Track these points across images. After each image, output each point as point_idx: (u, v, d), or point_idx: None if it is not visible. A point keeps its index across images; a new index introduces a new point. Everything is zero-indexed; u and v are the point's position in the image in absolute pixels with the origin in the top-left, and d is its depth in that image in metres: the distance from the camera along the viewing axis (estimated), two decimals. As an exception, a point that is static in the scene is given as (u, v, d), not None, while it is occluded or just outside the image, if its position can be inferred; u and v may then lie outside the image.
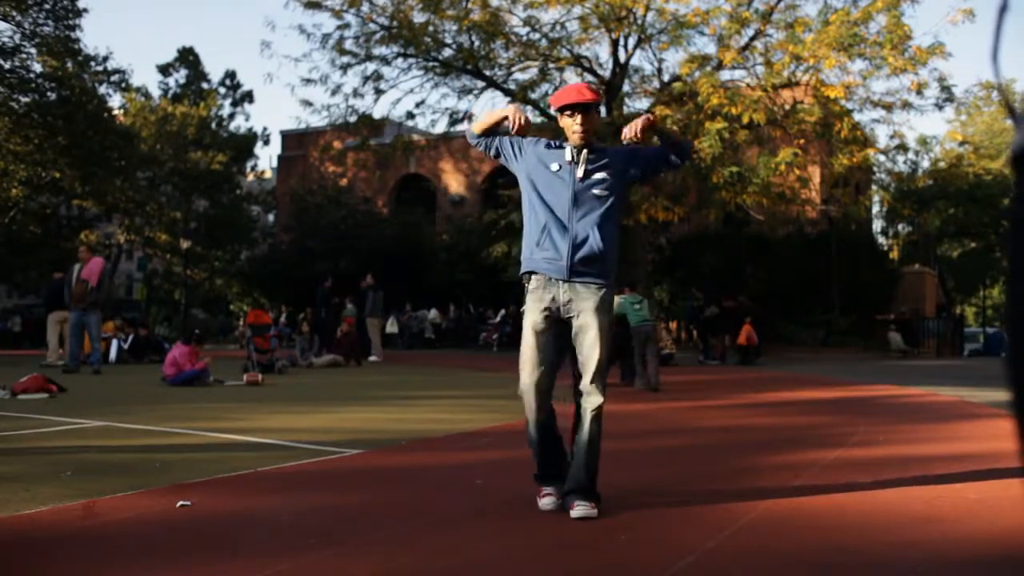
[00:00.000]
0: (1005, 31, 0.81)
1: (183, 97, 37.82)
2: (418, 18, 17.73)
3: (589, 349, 3.08)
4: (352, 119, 18.88)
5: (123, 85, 28.12)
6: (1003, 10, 0.81)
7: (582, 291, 3.07)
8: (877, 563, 2.54)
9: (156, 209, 31.36)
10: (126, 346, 15.05)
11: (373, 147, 19.87)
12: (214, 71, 76.00)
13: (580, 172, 3.11)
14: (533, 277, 3.15)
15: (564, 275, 3.07)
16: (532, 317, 3.13)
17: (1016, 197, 0.79)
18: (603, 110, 18.95)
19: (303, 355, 14.72)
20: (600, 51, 26.04)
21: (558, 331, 3.13)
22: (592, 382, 3.08)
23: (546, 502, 3.15)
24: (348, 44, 18.28)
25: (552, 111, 3.26)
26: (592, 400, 3.09)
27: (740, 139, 15.56)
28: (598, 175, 3.11)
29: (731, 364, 16.12)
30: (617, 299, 8.76)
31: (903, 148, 17.05)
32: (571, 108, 3.10)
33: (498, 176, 28.63)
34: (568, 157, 3.13)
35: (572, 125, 3.10)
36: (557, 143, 3.23)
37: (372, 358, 15.62)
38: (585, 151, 3.13)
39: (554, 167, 3.13)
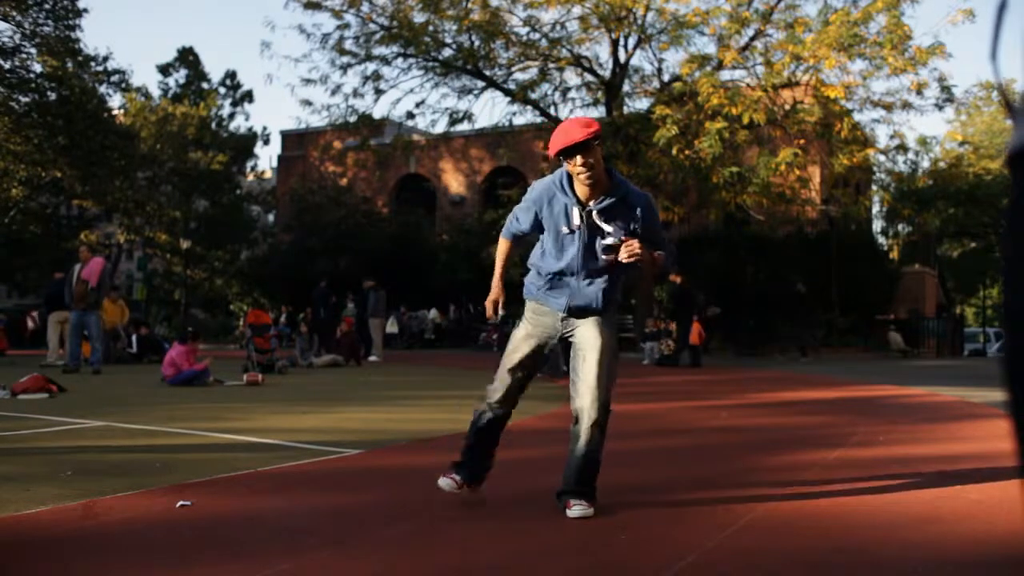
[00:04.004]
0: (1004, 30, 0.81)
1: (183, 97, 37.83)
2: (418, 18, 17.76)
3: (588, 366, 3.06)
4: (352, 119, 18.90)
5: (123, 85, 28.11)
6: (1002, 9, 0.81)
7: (581, 319, 3.17)
8: (877, 563, 2.54)
9: (156, 209, 31.34)
10: (133, 349, 15.06)
11: (373, 147, 19.88)
12: (214, 71, 76.11)
13: (587, 238, 3.08)
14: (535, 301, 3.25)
15: (564, 314, 3.17)
16: (527, 328, 3.25)
17: (1013, 197, 0.79)
18: (593, 112, 19.00)
19: (303, 355, 14.72)
20: (600, 51, 26.10)
21: (545, 345, 3.24)
22: (593, 399, 3.02)
23: (445, 481, 3.27)
24: (348, 44, 18.32)
25: (551, 156, 3.15)
26: (591, 415, 3.02)
27: (740, 139, 15.57)
28: (609, 240, 3.04)
29: (683, 365, 14.50)
30: None
31: (903, 148, 17.05)
32: (564, 153, 2.97)
33: (498, 176, 28.67)
34: (577, 221, 3.08)
35: (575, 168, 2.99)
36: (570, 198, 3.09)
37: (372, 358, 15.62)
38: (594, 215, 3.05)
39: (564, 230, 3.11)
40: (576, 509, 2.99)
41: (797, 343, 19.18)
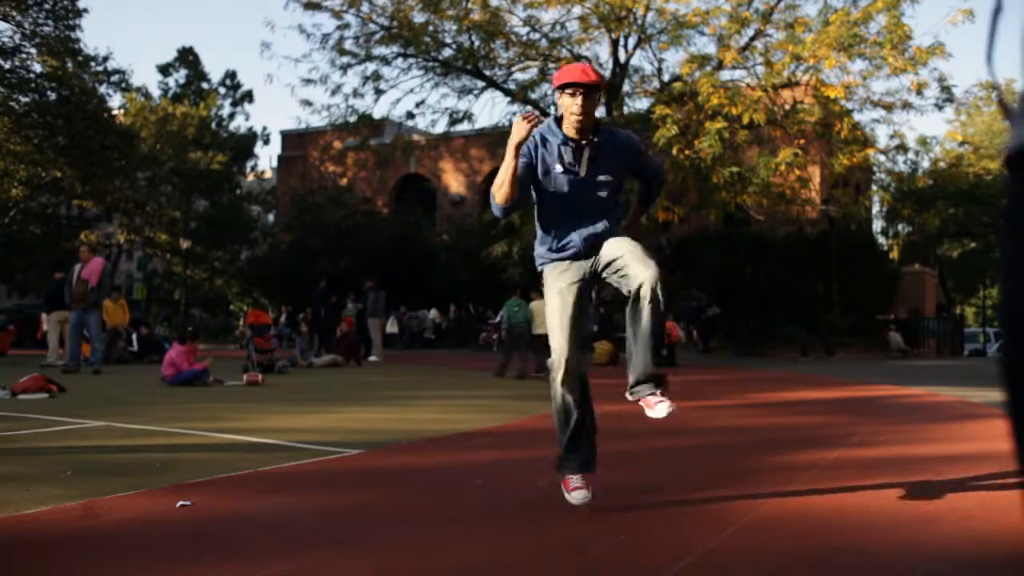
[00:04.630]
0: (1000, 33, 0.81)
1: (183, 97, 37.82)
2: (418, 18, 17.74)
3: (628, 250, 2.99)
4: (352, 119, 18.88)
5: (123, 85, 28.13)
6: (997, 12, 0.81)
7: (606, 244, 3.11)
8: (877, 563, 2.54)
9: (156, 209, 31.37)
10: (135, 348, 15.07)
11: (373, 147, 19.86)
12: (214, 71, 76.08)
13: (583, 172, 3.08)
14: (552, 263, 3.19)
15: (581, 255, 3.11)
16: (557, 284, 3.11)
17: (1011, 197, 0.79)
18: (602, 101, 18.99)
19: (303, 355, 14.73)
20: (600, 51, 26.03)
21: (583, 298, 3.11)
22: (646, 267, 2.92)
23: (578, 495, 2.99)
24: (348, 44, 18.29)
25: (553, 88, 3.15)
26: (648, 279, 2.90)
27: (740, 139, 15.55)
28: (601, 176, 3.09)
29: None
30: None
31: (903, 148, 17.03)
32: (572, 87, 3.01)
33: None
34: (570, 158, 3.08)
35: (571, 105, 3.02)
36: (559, 137, 3.10)
37: (372, 358, 15.62)
38: (587, 151, 3.07)
39: (558, 168, 3.10)
40: (661, 408, 2.93)
41: (818, 343, 19.31)
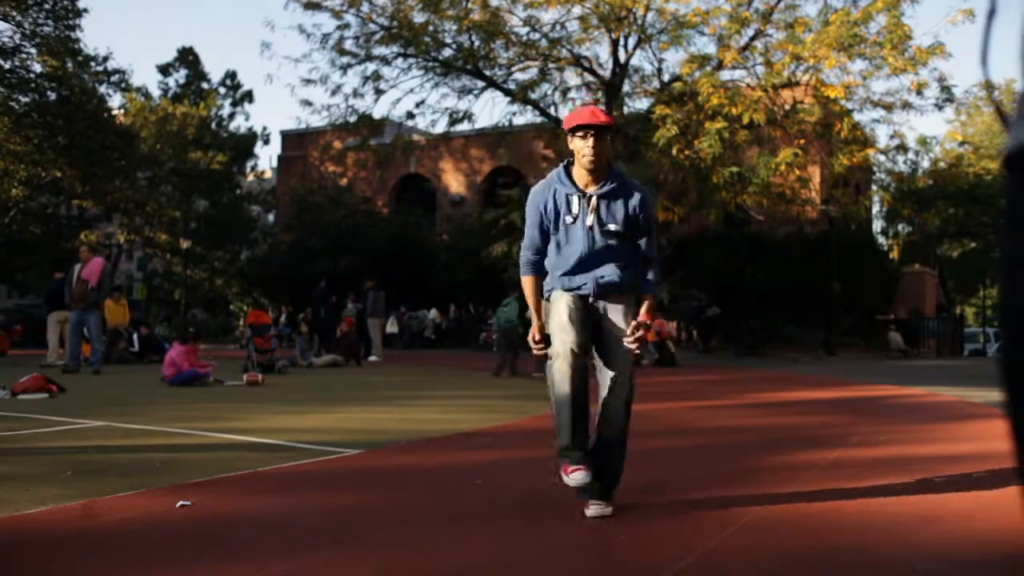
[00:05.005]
0: (994, 34, 0.81)
1: (183, 97, 37.81)
2: (418, 18, 17.74)
3: (617, 346, 3.07)
4: (352, 119, 18.89)
5: (123, 85, 28.13)
6: (991, 14, 0.82)
7: (610, 301, 3.15)
8: (877, 563, 2.54)
9: (156, 209, 31.37)
10: (135, 348, 15.07)
11: (373, 147, 19.87)
12: (214, 71, 76.08)
13: (590, 221, 3.08)
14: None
15: (592, 297, 3.14)
16: (563, 299, 3.11)
17: (1010, 198, 0.80)
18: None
19: (303, 355, 14.72)
20: (600, 51, 26.03)
21: (586, 313, 3.11)
22: (621, 373, 3.06)
23: (579, 476, 2.95)
24: (348, 44, 18.30)
25: (565, 131, 3.15)
26: (622, 388, 3.08)
27: (740, 139, 15.56)
28: (610, 226, 3.08)
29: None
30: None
31: (903, 148, 17.04)
32: (583, 129, 3.02)
33: (498, 176, 28.68)
34: (576, 209, 3.09)
35: (583, 148, 3.03)
36: (568, 186, 3.10)
37: (372, 358, 15.62)
38: (595, 200, 3.07)
39: (568, 220, 3.11)
40: (594, 508, 3.06)
41: (824, 343, 19.38)
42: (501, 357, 11.86)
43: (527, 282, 3.25)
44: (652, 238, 3.20)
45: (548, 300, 3.22)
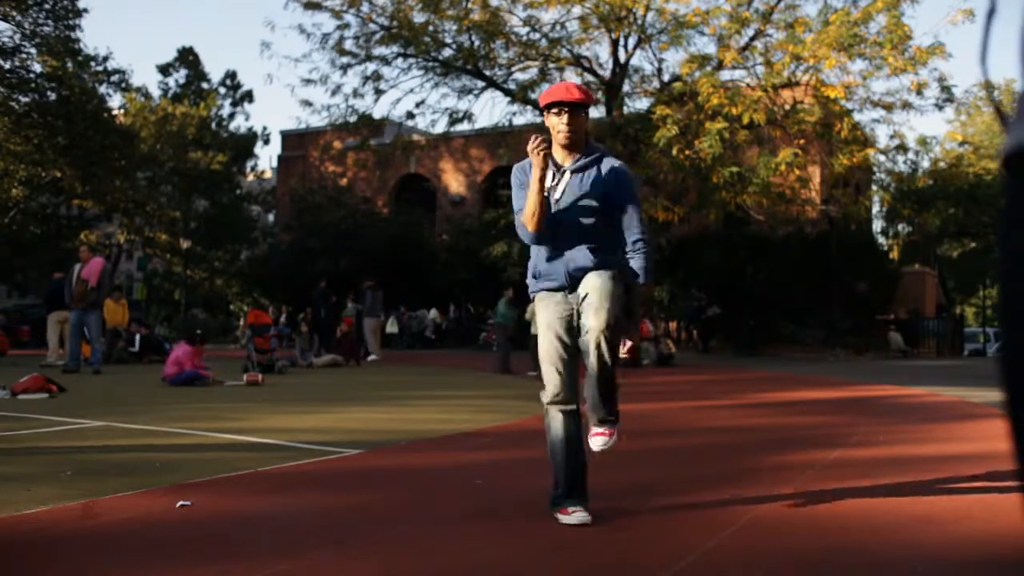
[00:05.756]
0: (993, 34, 0.81)
1: (183, 97, 37.79)
2: (418, 18, 17.75)
3: (591, 296, 2.92)
4: (352, 119, 18.89)
5: (123, 85, 28.12)
6: (991, 14, 0.81)
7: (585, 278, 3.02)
8: (876, 563, 2.54)
9: (156, 209, 31.32)
10: (135, 348, 15.07)
11: (373, 147, 19.87)
12: (214, 71, 76.00)
13: (558, 196, 3.03)
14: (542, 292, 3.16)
15: (567, 288, 3.05)
16: (546, 316, 3.07)
17: (1009, 198, 0.80)
18: (593, 111, 19.07)
19: (303, 355, 14.72)
20: (600, 51, 26.05)
21: (572, 332, 3.05)
22: (594, 316, 2.87)
23: (580, 516, 2.93)
24: (348, 44, 18.30)
25: (541, 108, 3.12)
26: (594, 330, 2.87)
27: (740, 139, 15.56)
28: (583, 202, 3.01)
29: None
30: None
31: (903, 148, 17.05)
32: (557, 106, 3.00)
33: (498, 176, 28.64)
34: (550, 183, 3.04)
35: (558, 124, 3.02)
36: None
37: (372, 357, 15.59)
38: (567, 175, 3.03)
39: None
40: (595, 441, 3.03)
41: (856, 343, 19.49)
42: (502, 354, 12.35)
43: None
44: (636, 213, 3.06)
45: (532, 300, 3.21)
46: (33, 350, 18.02)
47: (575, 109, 3.00)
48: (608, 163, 3.08)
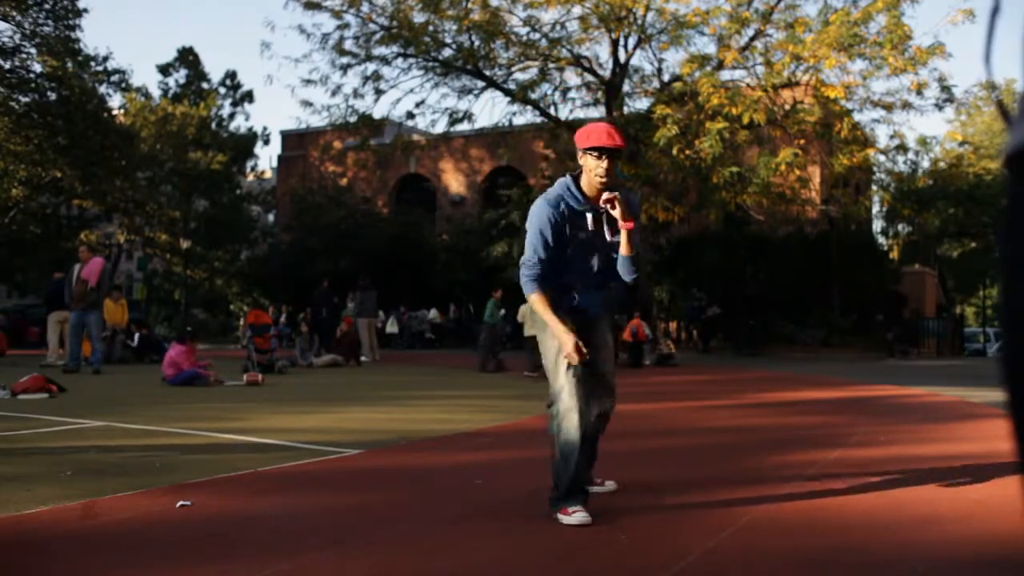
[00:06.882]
0: (997, 33, 0.81)
1: (183, 97, 37.78)
2: (418, 18, 17.72)
3: (608, 372, 3.28)
4: (352, 119, 18.87)
5: (123, 85, 28.11)
6: (995, 12, 0.81)
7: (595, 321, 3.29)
8: (877, 563, 2.54)
9: (156, 209, 31.31)
10: (134, 343, 15.07)
11: (373, 147, 19.85)
12: (214, 71, 75.99)
13: (610, 236, 3.15)
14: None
15: (586, 316, 3.26)
16: (570, 341, 3.07)
17: (1010, 198, 0.79)
18: (593, 111, 19.08)
19: (303, 355, 14.72)
20: (600, 51, 26.08)
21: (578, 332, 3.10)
22: (607, 393, 3.27)
23: (580, 516, 2.96)
24: (348, 44, 18.27)
25: (580, 148, 3.12)
26: (607, 405, 3.28)
27: (740, 139, 15.55)
28: (616, 238, 3.16)
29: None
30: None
31: (903, 148, 17.03)
32: (598, 151, 3.03)
33: (498, 176, 28.66)
34: (591, 225, 3.13)
35: (596, 168, 3.05)
36: (579, 200, 3.11)
37: (363, 358, 15.35)
38: (605, 215, 3.12)
39: (582, 236, 3.12)
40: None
41: (899, 344, 19.68)
42: (492, 354, 12.62)
43: (538, 298, 3.10)
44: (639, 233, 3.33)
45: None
46: (33, 350, 18.02)
47: (615, 156, 3.07)
48: (633, 199, 3.22)
